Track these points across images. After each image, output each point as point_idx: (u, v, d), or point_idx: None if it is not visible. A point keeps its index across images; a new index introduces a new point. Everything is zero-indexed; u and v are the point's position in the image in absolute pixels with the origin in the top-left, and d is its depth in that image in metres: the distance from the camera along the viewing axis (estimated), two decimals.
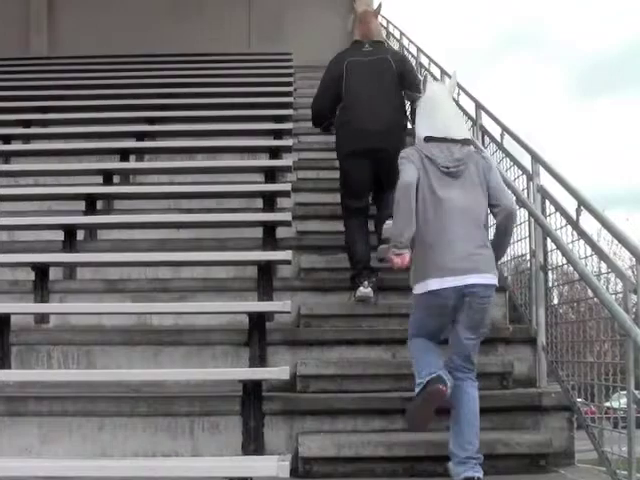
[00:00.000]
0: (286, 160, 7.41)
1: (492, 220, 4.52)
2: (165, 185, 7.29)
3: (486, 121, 6.84)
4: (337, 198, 6.10)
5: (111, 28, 12.45)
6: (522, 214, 5.57)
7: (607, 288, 4.70)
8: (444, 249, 4.16)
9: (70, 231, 6.18)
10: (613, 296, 4.38)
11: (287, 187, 6.62)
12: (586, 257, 4.65)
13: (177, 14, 12.69)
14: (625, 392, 4.10)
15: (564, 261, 4.95)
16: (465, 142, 4.40)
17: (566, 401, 4.85)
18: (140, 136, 8.20)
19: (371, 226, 5.92)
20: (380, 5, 6.43)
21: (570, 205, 4.87)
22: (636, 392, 3.98)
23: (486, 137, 6.72)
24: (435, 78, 7.99)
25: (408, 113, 5.90)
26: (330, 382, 5.02)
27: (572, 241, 4.81)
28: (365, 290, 5.56)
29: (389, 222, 4.85)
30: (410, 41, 10.63)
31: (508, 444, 4.49)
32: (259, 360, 4.94)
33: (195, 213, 6.76)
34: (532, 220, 5.40)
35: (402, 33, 11.24)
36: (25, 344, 5.21)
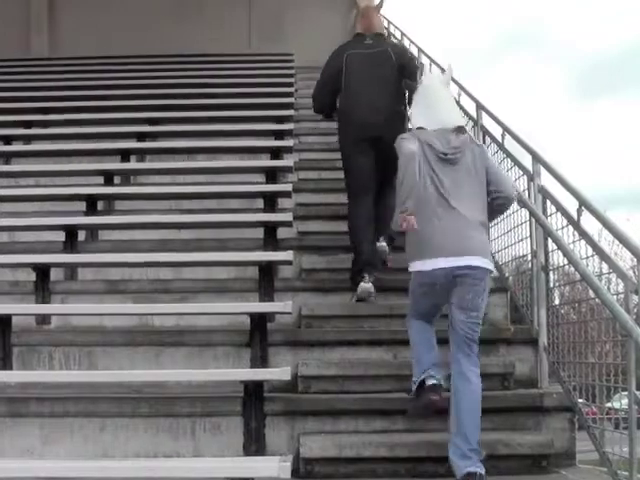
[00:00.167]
0: (287, 160, 7.42)
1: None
2: (166, 186, 7.28)
3: (486, 121, 6.84)
4: (338, 199, 6.11)
5: (111, 28, 12.45)
6: (523, 214, 5.59)
7: (608, 289, 4.70)
8: (437, 230, 4.24)
9: (71, 232, 6.18)
10: (614, 297, 4.37)
11: (288, 187, 6.63)
12: (587, 257, 4.65)
13: (177, 14, 12.68)
14: (626, 393, 4.09)
15: (565, 261, 4.93)
16: (460, 130, 4.49)
17: (567, 402, 4.84)
18: (141, 137, 8.20)
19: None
20: (382, 0, 6.46)
21: (571, 205, 4.87)
22: (637, 393, 3.96)
23: (487, 137, 6.71)
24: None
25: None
26: (331, 383, 5.01)
27: (573, 241, 4.80)
28: (366, 285, 5.58)
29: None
30: (411, 42, 10.62)
31: (509, 445, 4.49)
32: (260, 361, 4.95)
33: (196, 214, 6.75)
34: (533, 220, 5.40)
35: (403, 33, 11.24)
36: (26, 345, 5.20)
